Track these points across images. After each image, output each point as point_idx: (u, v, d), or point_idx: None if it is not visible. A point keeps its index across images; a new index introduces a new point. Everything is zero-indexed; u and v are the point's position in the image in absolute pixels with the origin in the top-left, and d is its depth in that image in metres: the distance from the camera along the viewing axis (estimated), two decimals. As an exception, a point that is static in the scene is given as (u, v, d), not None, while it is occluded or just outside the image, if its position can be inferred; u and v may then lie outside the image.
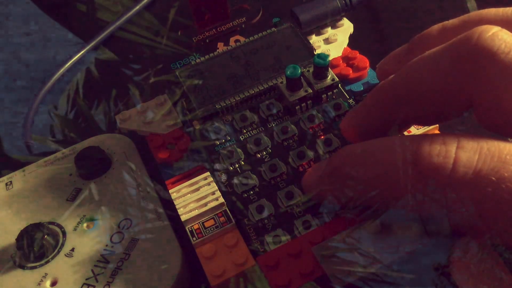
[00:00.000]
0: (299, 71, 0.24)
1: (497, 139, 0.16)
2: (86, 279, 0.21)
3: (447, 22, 0.21)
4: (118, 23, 0.34)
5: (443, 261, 0.18)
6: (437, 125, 0.23)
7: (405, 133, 0.23)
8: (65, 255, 0.22)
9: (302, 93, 0.25)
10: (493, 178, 0.16)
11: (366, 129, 0.20)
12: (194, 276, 0.22)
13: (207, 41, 0.28)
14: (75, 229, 0.23)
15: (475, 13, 0.20)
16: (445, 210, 0.16)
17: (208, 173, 0.23)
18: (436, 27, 0.21)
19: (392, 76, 0.19)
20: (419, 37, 0.22)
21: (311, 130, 0.24)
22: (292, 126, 0.24)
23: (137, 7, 0.35)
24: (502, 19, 0.19)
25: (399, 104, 0.19)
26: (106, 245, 0.22)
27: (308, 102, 0.25)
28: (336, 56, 0.27)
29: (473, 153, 0.16)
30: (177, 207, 0.22)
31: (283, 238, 0.21)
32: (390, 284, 0.18)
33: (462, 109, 0.18)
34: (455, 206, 0.16)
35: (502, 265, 0.17)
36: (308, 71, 0.25)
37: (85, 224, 0.23)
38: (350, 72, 0.26)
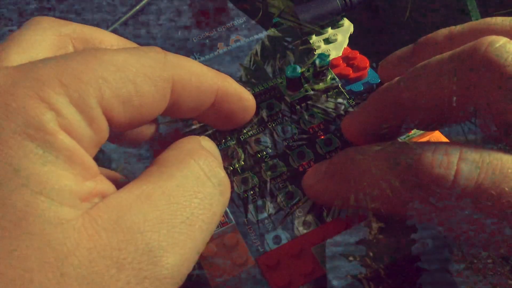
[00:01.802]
0: (299, 71, 0.24)
1: (500, 151, 0.16)
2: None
3: (454, 28, 0.21)
4: (118, 22, 0.34)
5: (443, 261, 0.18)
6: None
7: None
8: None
9: (302, 93, 0.25)
10: (494, 192, 0.15)
11: (367, 131, 0.20)
12: (194, 276, 0.22)
13: (207, 41, 0.28)
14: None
15: (483, 21, 0.20)
16: (444, 220, 0.16)
17: (208, 173, 0.23)
18: (442, 32, 0.21)
19: (396, 79, 0.19)
20: (425, 40, 0.21)
21: (311, 130, 0.24)
22: (292, 126, 0.24)
23: (137, 7, 0.35)
24: (510, 28, 0.19)
25: (401, 108, 0.19)
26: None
27: (308, 102, 0.25)
28: (336, 56, 0.27)
29: (475, 165, 0.16)
30: (177, 207, 0.22)
31: (283, 238, 0.21)
32: (390, 283, 0.18)
33: (466, 117, 0.18)
34: (455, 217, 0.16)
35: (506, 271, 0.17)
36: (308, 71, 0.25)
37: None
38: (350, 72, 0.26)
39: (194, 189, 0.16)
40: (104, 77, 0.15)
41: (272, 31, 0.27)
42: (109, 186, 0.15)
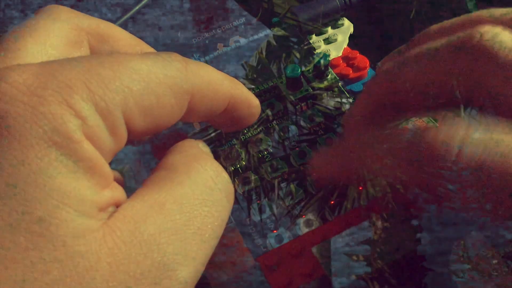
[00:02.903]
0: (299, 71, 0.24)
1: (503, 129, 0.16)
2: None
3: (446, 21, 0.21)
4: (119, 22, 0.34)
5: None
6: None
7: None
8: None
9: (302, 92, 0.25)
10: (496, 170, 0.16)
11: (367, 122, 0.21)
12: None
13: (207, 41, 0.29)
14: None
15: (476, 14, 0.20)
16: (451, 199, 0.17)
17: (208, 173, 0.23)
18: (435, 26, 0.21)
19: (390, 65, 0.20)
20: (419, 36, 0.22)
21: (311, 129, 0.24)
22: (293, 126, 0.24)
23: (137, 7, 0.35)
24: (502, 20, 0.19)
25: (397, 95, 0.19)
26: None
27: (309, 102, 0.25)
28: (336, 56, 0.27)
29: (479, 142, 0.16)
30: (177, 207, 0.22)
31: (285, 238, 0.21)
32: (395, 283, 0.18)
33: (459, 103, 0.18)
34: (458, 195, 0.16)
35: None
36: (308, 70, 0.25)
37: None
38: (350, 72, 0.26)
39: (203, 196, 0.16)
40: (130, 87, 0.15)
41: (277, 30, 0.27)
42: (121, 193, 0.15)
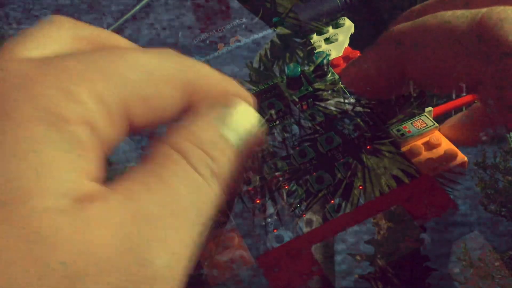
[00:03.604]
0: (299, 70, 0.24)
1: None
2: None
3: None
4: (117, 23, 0.34)
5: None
6: (438, 126, 0.23)
7: (411, 129, 0.23)
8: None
9: (302, 91, 0.25)
10: None
11: (368, 81, 0.21)
12: (193, 276, 0.22)
13: (208, 41, 0.28)
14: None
15: None
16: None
17: (208, 173, 0.23)
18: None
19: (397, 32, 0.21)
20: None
21: (312, 128, 0.24)
22: (293, 125, 0.24)
23: (137, 7, 0.35)
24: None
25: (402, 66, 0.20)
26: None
27: (309, 101, 0.25)
28: (337, 56, 0.27)
29: None
30: (177, 206, 0.22)
31: (286, 237, 0.21)
32: (398, 283, 0.18)
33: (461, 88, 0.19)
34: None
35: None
36: (309, 70, 0.25)
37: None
38: (351, 72, 0.26)
39: (192, 198, 0.15)
40: (128, 77, 0.15)
41: (281, 29, 0.27)
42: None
